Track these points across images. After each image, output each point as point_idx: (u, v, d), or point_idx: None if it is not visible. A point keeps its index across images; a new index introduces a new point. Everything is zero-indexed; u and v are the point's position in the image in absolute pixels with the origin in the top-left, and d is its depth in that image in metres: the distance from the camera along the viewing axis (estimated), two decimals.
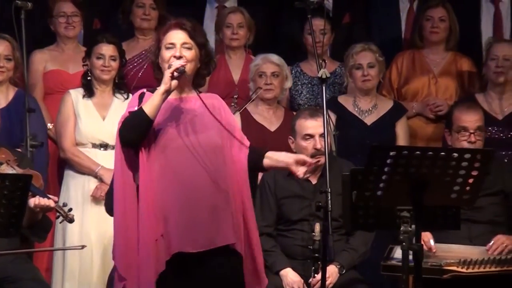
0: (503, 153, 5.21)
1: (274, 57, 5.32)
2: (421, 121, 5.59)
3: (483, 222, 4.61)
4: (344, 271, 4.55)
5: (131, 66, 5.53)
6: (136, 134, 3.75)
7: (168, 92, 3.72)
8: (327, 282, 4.39)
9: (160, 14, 5.63)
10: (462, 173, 3.52)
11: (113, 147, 4.47)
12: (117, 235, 3.81)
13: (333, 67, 5.60)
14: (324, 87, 4.21)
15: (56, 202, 4.26)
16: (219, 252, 3.78)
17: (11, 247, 4.29)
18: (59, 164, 5.34)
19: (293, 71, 5.66)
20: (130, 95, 5.02)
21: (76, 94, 5.18)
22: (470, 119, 4.75)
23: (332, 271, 4.51)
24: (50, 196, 4.27)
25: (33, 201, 4.16)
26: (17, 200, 3.75)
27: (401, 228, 3.53)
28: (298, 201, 4.64)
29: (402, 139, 5.39)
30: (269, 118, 5.35)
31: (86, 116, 5.15)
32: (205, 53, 3.86)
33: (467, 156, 3.50)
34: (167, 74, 3.71)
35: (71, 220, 4.27)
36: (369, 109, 5.41)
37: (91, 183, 5.11)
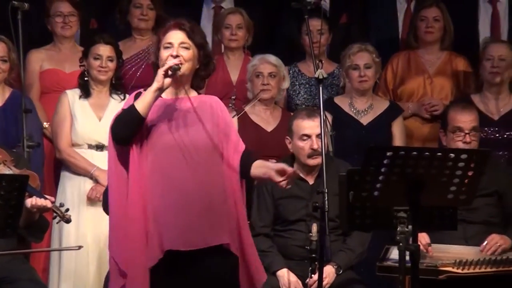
0: (500, 153, 5.22)
1: (272, 58, 5.33)
2: (417, 122, 5.60)
3: (478, 223, 4.63)
4: (341, 272, 4.56)
5: (129, 66, 5.54)
6: (128, 131, 3.77)
7: (160, 90, 3.74)
8: (324, 283, 4.39)
9: (158, 14, 5.64)
10: (459, 174, 3.52)
11: None
12: (112, 230, 3.84)
13: (331, 68, 5.61)
14: (321, 88, 4.23)
15: (53, 202, 4.26)
16: (214, 252, 3.78)
17: (8, 247, 4.29)
18: (55, 165, 5.34)
19: (291, 71, 5.67)
20: (127, 95, 5.02)
21: (72, 95, 5.18)
22: (465, 119, 4.77)
23: (329, 271, 4.52)
24: (47, 196, 4.28)
25: (30, 201, 4.17)
26: (14, 201, 3.75)
27: (398, 229, 3.54)
28: (295, 202, 4.65)
29: (398, 139, 5.40)
30: (266, 119, 5.36)
31: (82, 116, 5.15)
32: (203, 54, 3.87)
33: (464, 156, 3.50)
34: (160, 72, 3.73)
35: (68, 221, 4.28)
36: (365, 109, 5.42)
37: (87, 184, 5.11)
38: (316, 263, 4.24)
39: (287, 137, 4.74)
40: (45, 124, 5.35)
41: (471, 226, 4.58)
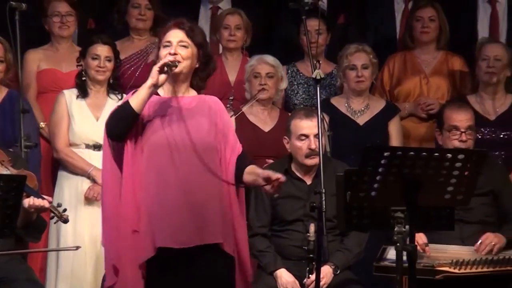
0: (496, 153, 5.23)
1: (269, 58, 5.34)
2: (414, 122, 5.61)
3: (474, 223, 4.64)
4: (338, 272, 4.57)
5: (128, 65, 5.55)
6: (122, 127, 3.79)
7: (155, 86, 3.75)
8: (322, 283, 4.40)
9: (156, 14, 5.65)
10: (456, 174, 3.54)
11: None
12: (105, 226, 3.86)
13: (329, 69, 5.62)
14: (318, 88, 4.23)
15: (50, 202, 4.26)
16: (208, 251, 3.80)
17: (5, 247, 4.29)
18: (52, 165, 5.34)
19: (289, 71, 5.67)
20: (124, 95, 5.02)
21: (70, 95, 5.19)
22: (461, 118, 4.78)
23: (327, 271, 4.52)
24: (45, 196, 4.28)
25: (28, 201, 4.16)
26: (12, 201, 3.76)
27: (395, 229, 3.55)
28: (293, 202, 4.65)
29: (395, 138, 5.41)
30: (263, 119, 5.36)
31: (79, 116, 5.15)
32: (203, 53, 3.89)
33: (461, 156, 3.52)
34: (154, 68, 3.76)
35: (65, 221, 4.28)
36: (361, 110, 5.43)
37: (85, 184, 5.11)
38: (313, 263, 4.23)
39: (285, 137, 4.74)
40: (42, 124, 5.35)
41: (467, 226, 4.59)
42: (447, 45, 5.71)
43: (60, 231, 5.02)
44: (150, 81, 3.75)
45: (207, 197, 3.80)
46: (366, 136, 5.28)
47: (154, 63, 3.90)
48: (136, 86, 4.05)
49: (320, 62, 4.52)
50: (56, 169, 5.27)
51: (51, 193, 5.09)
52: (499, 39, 5.87)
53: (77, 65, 5.22)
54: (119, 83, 5.26)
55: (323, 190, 4.05)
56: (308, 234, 4.26)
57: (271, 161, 5.09)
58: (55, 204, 4.33)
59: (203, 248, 3.79)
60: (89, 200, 5.06)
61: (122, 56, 5.33)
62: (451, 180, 3.55)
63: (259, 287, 4.48)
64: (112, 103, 5.15)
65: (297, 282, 4.53)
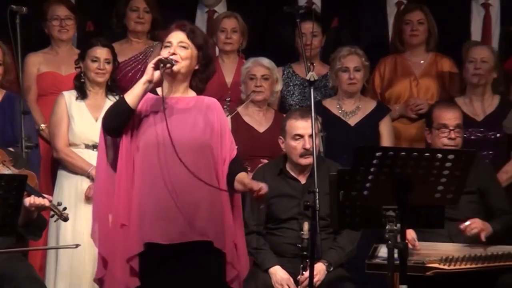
0: (485, 153, 5.25)
1: (265, 61, 5.35)
2: (404, 123, 5.63)
3: (462, 220, 4.65)
4: (331, 269, 4.58)
5: (128, 68, 5.56)
6: (117, 122, 3.82)
7: (149, 82, 3.78)
8: (315, 279, 4.41)
9: (153, 17, 5.66)
10: (446, 173, 3.55)
11: None
12: (96, 220, 3.90)
13: (324, 71, 5.63)
14: (312, 90, 4.25)
15: (50, 201, 4.27)
16: (199, 248, 3.81)
17: (7, 245, 4.30)
18: (52, 164, 5.35)
19: (285, 72, 5.69)
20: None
21: (69, 96, 5.20)
22: (450, 117, 4.82)
23: (320, 268, 4.53)
24: (45, 195, 4.29)
25: (29, 200, 4.17)
26: (13, 200, 3.76)
27: (387, 227, 3.56)
28: (287, 201, 4.66)
29: (386, 138, 5.43)
30: (258, 120, 5.38)
31: (79, 117, 5.16)
32: (203, 55, 3.91)
33: (451, 157, 3.54)
34: (149, 64, 3.79)
35: (65, 219, 4.29)
36: (352, 111, 5.45)
37: (84, 183, 5.12)
38: (307, 260, 4.25)
39: (280, 137, 4.76)
40: (42, 126, 5.37)
41: (455, 224, 4.60)
42: (436, 47, 5.73)
43: (59, 229, 5.03)
44: (145, 77, 3.79)
45: (197, 195, 3.81)
46: (357, 137, 5.29)
47: None
48: None
49: (314, 64, 4.54)
50: (55, 169, 5.28)
51: (51, 192, 5.09)
52: (491, 42, 5.89)
53: (76, 67, 5.23)
54: (116, 85, 5.27)
55: (317, 189, 4.08)
56: (302, 232, 4.27)
57: (265, 161, 5.10)
58: (55, 202, 4.34)
59: (194, 244, 3.80)
60: (88, 199, 5.07)
61: (120, 58, 5.34)
62: (441, 179, 3.56)
63: (254, 284, 4.49)
64: (110, 104, 5.15)
65: (291, 278, 4.54)
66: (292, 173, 4.72)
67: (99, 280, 3.95)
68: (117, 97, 5.18)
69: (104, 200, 3.89)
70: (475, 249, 4.53)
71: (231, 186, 3.92)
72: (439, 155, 3.53)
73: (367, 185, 3.54)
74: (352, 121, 5.43)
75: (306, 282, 4.34)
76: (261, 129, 5.36)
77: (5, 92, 5.15)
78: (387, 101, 5.69)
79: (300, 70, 5.65)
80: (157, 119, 3.85)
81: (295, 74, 5.70)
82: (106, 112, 3.88)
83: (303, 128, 4.63)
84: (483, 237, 4.54)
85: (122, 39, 5.71)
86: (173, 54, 3.83)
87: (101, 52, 5.14)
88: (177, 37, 3.88)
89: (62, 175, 5.19)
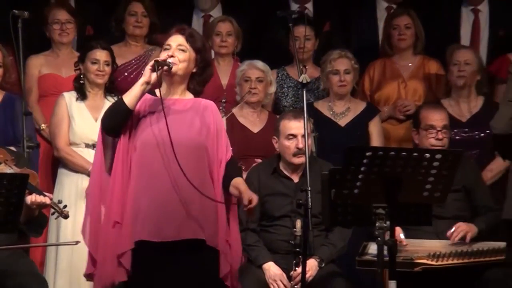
0: (470, 152, 5.26)
1: (259, 64, 5.36)
2: (393, 124, 5.65)
3: (448, 218, 4.68)
4: (323, 265, 4.58)
5: (129, 70, 5.57)
6: (115, 122, 3.83)
7: (147, 83, 3.78)
8: (307, 275, 4.42)
9: (151, 21, 5.67)
10: (434, 172, 3.56)
11: None
12: (87, 215, 3.89)
13: (316, 74, 5.64)
14: (304, 92, 4.26)
15: (51, 199, 4.27)
16: (192, 246, 3.80)
17: (9, 242, 4.29)
18: (53, 163, 5.35)
19: (279, 74, 5.70)
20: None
21: (69, 97, 5.20)
22: (437, 118, 4.84)
23: (312, 264, 4.54)
24: (46, 193, 4.29)
25: (30, 198, 4.18)
26: (15, 198, 3.76)
27: (377, 224, 3.57)
28: (281, 199, 4.67)
29: (376, 138, 5.44)
30: (253, 121, 5.38)
31: (79, 117, 5.16)
32: (201, 58, 3.92)
33: (438, 156, 3.55)
34: (147, 66, 3.79)
35: (66, 216, 4.30)
36: (343, 112, 5.46)
37: (84, 181, 5.11)
38: (300, 256, 4.26)
39: (274, 137, 4.76)
40: (43, 126, 5.37)
41: (442, 221, 4.62)
42: (423, 50, 5.75)
43: (60, 227, 5.03)
44: (142, 79, 3.79)
45: (191, 194, 3.80)
46: (347, 137, 5.31)
47: None
48: None
49: (307, 67, 4.55)
50: (56, 167, 5.28)
51: (51, 190, 5.10)
52: (479, 46, 5.91)
53: (75, 69, 5.23)
54: (115, 86, 5.28)
55: (309, 188, 4.09)
56: (295, 229, 4.28)
57: (259, 160, 5.11)
58: (55, 200, 4.34)
59: (188, 242, 3.80)
60: None
61: (118, 61, 5.35)
62: (429, 178, 3.57)
63: (248, 280, 4.49)
64: (109, 104, 5.15)
65: (284, 274, 4.55)
66: (286, 172, 4.73)
67: (88, 275, 3.94)
68: (115, 98, 5.18)
69: (97, 195, 3.88)
70: (461, 245, 4.54)
71: (226, 189, 3.92)
72: (427, 155, 3.55)
73: (358, 184, 3.55)
74: (343, 122, 5.44)
75: (299, 277, 4.35)
76: (255, 129, 5.37)
77: (5, 93, 5.15)
78: (377, 102, 5.70)
79: (293, 72, 5.66)
80: (154, 119, 3.86)
81: (289, 77, 5.71)
82: (105, 112, 3.89)
83: (296, 128, 4.64)
84: (468, 239, 4.57)
85: (120, 42, 5.71)
86: (171, 56, 3.83)
87: (100, 55, 5.14)
88: (176, 40, 3.89)
89: (63, 173, 5.19)
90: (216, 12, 6.08)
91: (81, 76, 5.19)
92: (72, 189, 5.12)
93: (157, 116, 3.85)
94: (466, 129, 5.35)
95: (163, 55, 3.86)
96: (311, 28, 5.57)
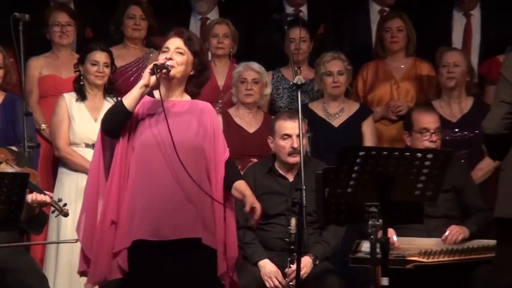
0: (460, 152, 5.27)
1: (255, 65, 5.37)
2: (386, 124, 5.66)
3: (438, 217, 4.69)
4: (317, 262, 4.59)
5: (130, 72, 5.57)
6: (115, 123, 3.83)
7: (146, 86, 3.78)
8: (302, 272, 4.42)
9: (149, 24, 5.67)
10: (425, 172, 3.57)
11: None
12: (83, 214, 3.88)
13: (311, 75, 5.63)
14: (299, 93, 4.26)
15: (51, 197, 4.27)
16: (189, 245, 3.79)
17: (10, 239, 4.30)
18: (53, 162, 5.35)
19: (274, 76, 5.70)
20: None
21: (69, 98, 5.20)
22: (430, 120, 4.85)
23: (307, 261, 4.54)
24: (46, 192, 4.29)
25: (31, 197, 4.18)
26: (16, 197, 3.77)
27: (370, 222, 3.57)
28: (276, 197, 4.67)
29: (368, 138, 5.45)
30: (248, 121, 5.38)
31: (79, 118, 5.16)
32: (198, 61, 3.92)
33: (430, 156, 3.56)
34: (146, 70, 3.79)
35: (66, 214, 4.30)
36: (337, 113, 5.47)
37: (84, 180, 5.03)
38: (294, 254, 4.27)
39: (270, 137, 4.77)
40: (43, 126, 5.37)
41: (433, 220, 4.63)
42: (415, 52, 5.76)
43: (60, 225, 5.03)
44: (141, 82, 3.79)
45: (188, 194, 3.80)
46: (341, 137, 5.31)
47: None
48: None
49: (302, 68, 4.55)
50: (56, 167, 5.28)
51: (52, 189, 5.09)
52: (471, 49, 5.92)
53: (75, 71, 5.23)
54: (113, 87, 5.28)
55: (304, 187, 4.09)
56: (290, 227, 4.29)
57: (255, 160, 5.11)
58: (55, 199, 4.34)
59: (185, 241, 3.79)
60: None
61: (117, 62, 5.34)
62: (420, 177, 3.58)
63: (244, 277, 4.49)
64: (108, 105, 5.14)
65: (279, 271, 4.55)
66: (281, 171, 4.73)
67: (82, 273, 3.93)
68: (114, 99, 5.19)
69: (94, 194, 3.87)
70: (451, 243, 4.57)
71: (226, 189, 3.92)
72: (419, 155, 3.56)
73: (351, 183, 3.56)
74: (336, 122, 5.45)
75: (293, 274, 4.35)
76: (251, 129, 5.37)
77: (6, 94, 5.15)
78: (370, 103, 5.71)
79: (288, 74, 5.66)
80: (153, 121, 3.86)
81: (284, 78, 5.71)
82: (105, 114, 3.89)
83: (291, 128, 4.64)
84: (459, 240, 4.59)
85: (119, 44, 5.71)
86: (170, 59, 3.83)
87: (100, 56, 5.14)
88: (174, 43, 3.89)
89: (63, 172, 5.19)
90: (213, 15, 6.09)
91: (81, 77, 5.19)
92: (72, 188, 5.12)
93: (156, 117, 3.86)
94: (456, 130, 5.36)
95: (161, 58, 3.86)
96: (306, 30, 5.58)
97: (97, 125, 5.06)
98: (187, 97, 3.96)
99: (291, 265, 4.38)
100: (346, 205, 3.94)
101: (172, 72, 3.83)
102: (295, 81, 4.28)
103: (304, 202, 4.07)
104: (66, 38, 5.52)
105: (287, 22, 4.92)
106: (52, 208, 4.30)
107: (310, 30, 5.70)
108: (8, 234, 4.24)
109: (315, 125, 5.31)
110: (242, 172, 4.73)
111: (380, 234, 3.58)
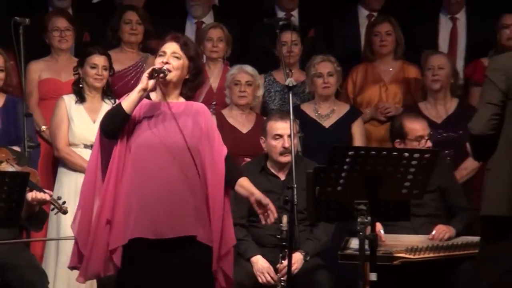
0: (447, 152, 5.29)
1: (249, 68, 5.37)
2: (374, 125, 5.67)
3: (424, 216, 4.70)
4: (308, 258, 4.59)
5: (129, 76, 5.57)
6: (114, 125, 3.81)
7: (144, 90, 3.77)
8: (293, 268, 4.42)
9: (146, 29, 5.66)
10: (412, 171, 3.58)
11: None
12: (78, 211, 3.85)
13: (303, 78, 5.63)
14: (290, 94, 4.27)
15: (51, 195, 4.27)
16: (185, 243, 3.78)
17: (10, 236, 4.29)
18: (53, 162, 5.35)
19: (266, 79, 5.70)
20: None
21: (69, 100, 5.20)
22: (423, 127, 4.85)
23: (298, 257, 4.55)
24: (46, 190, 4.29)
25: (31, 195, 4.18)
26: (16, 195, 3.76)
27: (358, 220, 3.58)
28: (268, 195, 4.58)
29: (358, 139, 5.45)
30: (242, 122, 5.39)
31: (78, 119, 5.16)
32: (193, 66, 3.91)
33: (416, 155, 3.57)
34: (144, 74, 3.79)
35: (65, 212, 4.30)
36: (327, 114, 5.47)
37: (82, 179, 5.10)
38: (286, 250, 4.27)
39: (262, 137, 4.77)
40: (43, 128, 5.37)
41: (419, 219, 4.65)
42: (403, 55, 5.77)
43: (59, 222, 5.02)
44: (140, 86, 3.78)
45: (183, 193, 3.79)
46: (331, 137, 5.31)
47: None
48: None
49: (293, 71, 4.55)
50: (56, 166, 5.29)
51: (51, 188, 5.09)
52: (456, 53, 5.94)
53: (74, 74, 5.23)
54: (111, 90, 5.28)
55: (295, 185, 4.10)
56: (282, 224, 4.29)
57: (248, 159, 5.12)
58: (55, 197, 4.34)
59: (181, 239, 3.78)
60: None
61: (115, 66, 5.34)
62: (408, 176, 3.59)
63: (237, 272, 4.46)
64: (106, 107, 5.16)
65: (271, 267, 4.55)
66: (273, 170, 4.74)
67: (72, 268, 3.92)
68: (112, 101, 5.19)
69: (90, 192, 3.86)
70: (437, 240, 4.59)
71: (229, 186, 3.91)
72: (406, 154, 3.56)
73: (341, 181, 3.56)
74: (327, 123, 5.46)
75: (285, 270, 4.36)
76: (244, 130, 5.37)
77: (7, 96, 5.15)
78: (359, 105, 5.72)
79: (280, 77, 5.67)
80: (151, 123, 3.85)
81: (276, 82, 5.72)
82: (104, 116, 3.87)
83: (282, 128, 4.65)
84: (446, 238, 4.61)
85: (116, 48, 5.70)
86: (166, 63, 3.83)
87: (99, 60, 5.14)
88: (170, 48, 3.88)
89: (62, 172, 5.19)
90: (208, 19, 6.09)
91: (80, 80, 5.19)
92: (71, 187, 5.11)
93: (153, 119, 3.85)
94: (441, 130, 5.37)
95: (157, 61, 3.85)
96: (297, 34, 5.58)
97: (96, 127, 5.06)
98: (182, 100, 3.96)
99: (282, 261, 4.39)
100: (336, 203, 3.93)
101: (169, 76, 3.83)
102: (286, 83, 4.28)
103: (296, 200, 4.07)
104: (65, 42, 5.52)
105: (278, 26, 4.92)
106: (52, 206, 4.30)
107: (301, 34, 5.71)
108: (8, 231, 4.25)
109: (307, 126, 5.32)
110: None
111: (368, 231, 3.58)
